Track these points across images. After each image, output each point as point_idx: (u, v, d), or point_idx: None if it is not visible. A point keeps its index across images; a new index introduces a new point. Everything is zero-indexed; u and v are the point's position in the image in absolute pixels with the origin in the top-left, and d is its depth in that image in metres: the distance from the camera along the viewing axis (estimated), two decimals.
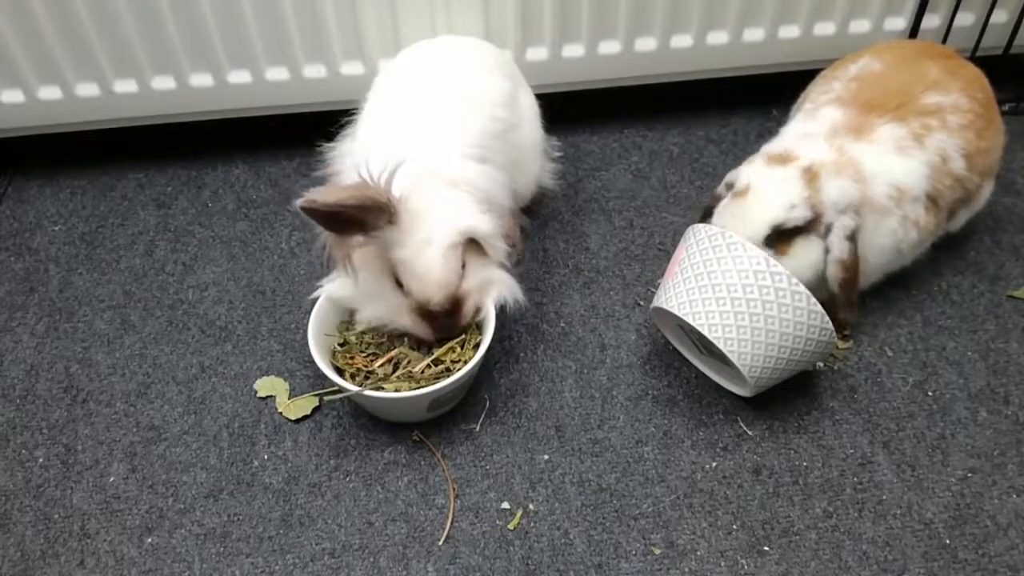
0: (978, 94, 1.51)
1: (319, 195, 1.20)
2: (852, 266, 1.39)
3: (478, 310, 1.40)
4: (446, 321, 1.36)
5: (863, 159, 1.41)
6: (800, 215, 1.36)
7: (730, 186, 1.46)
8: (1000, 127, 1.55)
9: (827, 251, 1.39)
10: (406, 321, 1.37)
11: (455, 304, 1.34)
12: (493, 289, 1.40)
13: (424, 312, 1.34)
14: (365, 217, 1.24)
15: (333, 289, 1.42)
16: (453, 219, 1.31)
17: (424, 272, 1.30)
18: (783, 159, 1.40)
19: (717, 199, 1.50)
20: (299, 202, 1.19)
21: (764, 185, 1.38)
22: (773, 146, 1.46)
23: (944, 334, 1.54)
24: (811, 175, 1.37)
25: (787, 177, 1.37)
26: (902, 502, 1.32)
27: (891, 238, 1.45)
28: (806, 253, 1.39)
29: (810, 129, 1.48)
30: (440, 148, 1.38)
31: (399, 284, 1.34)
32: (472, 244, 1.36)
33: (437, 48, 1.58)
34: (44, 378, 1.53)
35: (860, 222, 1.39)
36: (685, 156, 1.91)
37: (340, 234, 1.30)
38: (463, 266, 1.34)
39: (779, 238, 1.38)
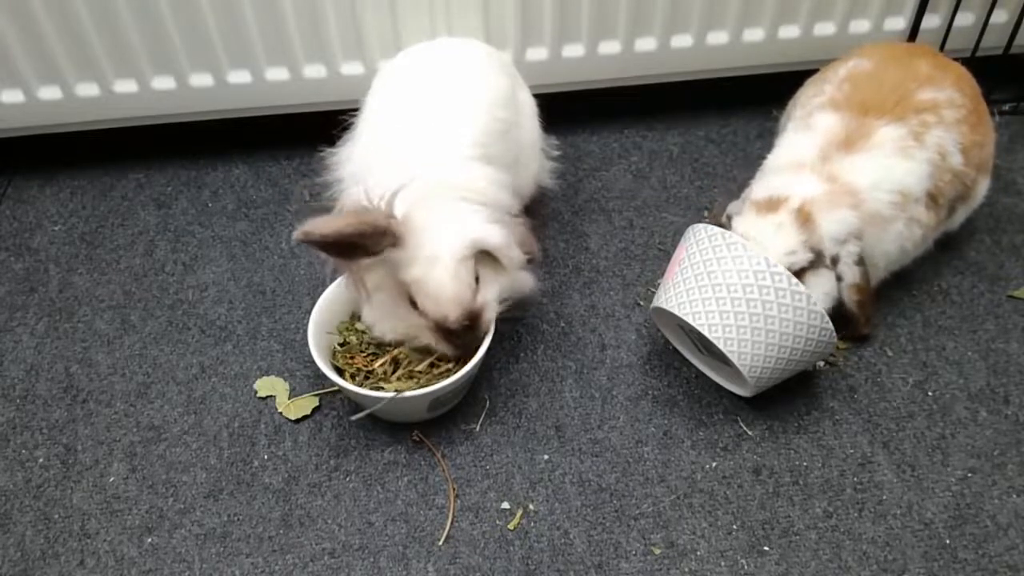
0: (968, 89, 1.52)
1: (315, 227, 1.17)
2: (865, 287, 1.40)
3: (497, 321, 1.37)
4: (466, 337, 1.32)
5: (859, 174, 1.40)
6: (800, 259, 1.35)
7: (731, 218, 1.46)
8: (990, 122, 1.55)
9: (839, 279, 1.39)
10: (427, 338, 1.34)
11: (472, 319, 1.31)
12: (509, 299, 1.37)
13: (442, 330, 1.31)
14: (366, 243, 1.21)
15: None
16: (461, 233, 1.28)
17: (436, 290, 1.27)
18: (772, 205, 1.39)
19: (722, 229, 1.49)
20: (295, 234, 1.16)
21: (759, 236, 1.37)
22: (759, 191, 1.44)
23: (944, 334, 1.54)
24: (804, 216, 1.36)
25: (781, 223, 1.36)
26: (902, 502, 1.32)
27: (897, 242, 1.45)
28: (818, 286, 1.38)
29: (802, 147, 1.47)
30: (444, 152, 1.36)
31: (414, 304, 1.31)
32: (485, 255, 1.33)
33: (434, 50, 1.57)
34: (44, 378, 1.53)
35: (863, 244, 1.39)
36: (685, 156, 1.91)
37: (345, 259, 1.27)
38: (476, 279, 1.31)
39: None
